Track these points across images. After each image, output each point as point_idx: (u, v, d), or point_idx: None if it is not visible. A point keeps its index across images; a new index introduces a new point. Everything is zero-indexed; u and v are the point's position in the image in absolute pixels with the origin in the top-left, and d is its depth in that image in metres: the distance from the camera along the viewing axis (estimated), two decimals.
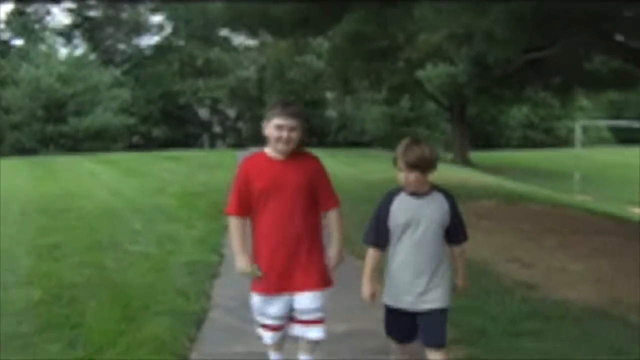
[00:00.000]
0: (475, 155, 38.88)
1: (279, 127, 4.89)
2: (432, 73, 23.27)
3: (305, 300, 5.06)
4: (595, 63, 17.95)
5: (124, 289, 8.27)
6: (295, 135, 4.93)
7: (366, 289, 5.03)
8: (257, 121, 51.87)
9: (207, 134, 54.02)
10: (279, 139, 4.90)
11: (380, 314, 7.36)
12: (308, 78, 41.88)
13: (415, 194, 4.70)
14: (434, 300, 4.75)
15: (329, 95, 47.00)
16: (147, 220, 13.10)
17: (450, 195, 4.82)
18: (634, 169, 36.66)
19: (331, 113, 47.78)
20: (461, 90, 22.08)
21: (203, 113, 54.07)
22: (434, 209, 4.69)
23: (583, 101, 42.44)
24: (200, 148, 47.52)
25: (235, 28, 18.63)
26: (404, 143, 4.68)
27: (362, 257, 10.00)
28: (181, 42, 53.61)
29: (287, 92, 44.47)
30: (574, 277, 9.17)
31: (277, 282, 5.04)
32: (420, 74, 25.37)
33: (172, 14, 51.52)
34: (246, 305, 7.64)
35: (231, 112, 54.51)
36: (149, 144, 46.23)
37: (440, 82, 22.62)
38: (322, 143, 43.28)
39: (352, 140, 45.57)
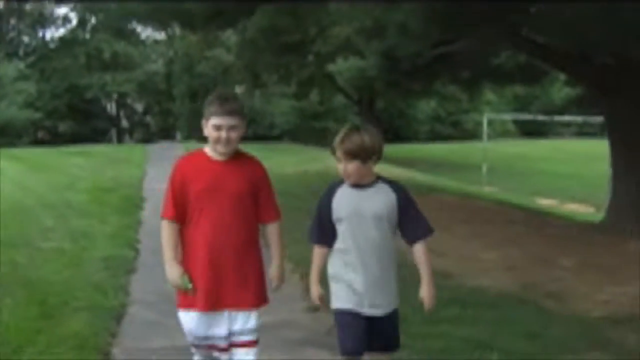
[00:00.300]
0: (385, 148, 39.27)
1: (217, 127, 4.40)
2: (342, 67, 23.44)
3: (240, 320, 4.55)
4: (502, 58, 18.39)
5: (39, 285, 8.09)
6: (235, 135, 4.45)
7: (314, 290, 4.59)
8: (165, 115, 51.50)
9: (114, 128, 53.23)
10: (217, 140, 4.42)
11: (302, 305, 7.50)
12: (217, 72, 41.67)
13: (357, 185, 4.32)
14: (387, 304, 4.39)
15: (238, 89, 46.81)
16: (58, 216, 12.85)
17: (399, 186, 4.39)
18: (537, 161, 37.75)
19: None
20: (371, 83, 22.32)
21: (110, 107, 53.27)
22: (377, 202, 4.28)
23: (489, 95, 43.33)
24: (107, 143, 46.74)
25: (148, 22, 18.36)
26: (342, 131, 4.36)
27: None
28: (87, 35, 52.59)
29: (196, 86, 44.23)
30: (487, 265, 9.42)
31: (210, 299, 4.46)
32: (331, 67, 25.54)
33: (79, 5, 50.46)
34: (164, 300, 7.65)
35: (139, 107, 53.85)
36: (55, 139, 45.19)
37: (350, 75, 22.80)
38: None
39: (262, 134, 45.47)
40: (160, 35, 49.81)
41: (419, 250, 4.36)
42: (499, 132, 52.40)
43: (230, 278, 4.47)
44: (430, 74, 19.64)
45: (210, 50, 39.13)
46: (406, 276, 8.25)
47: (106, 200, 14.86)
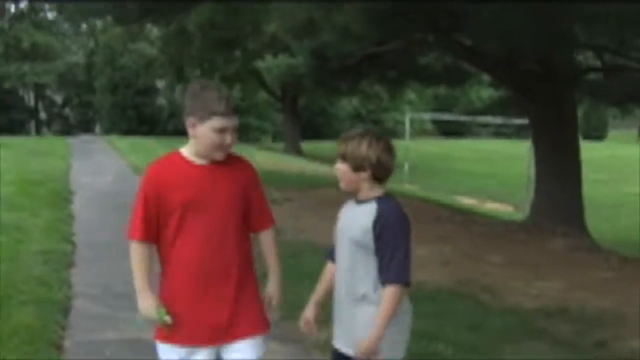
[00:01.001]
0: (306, 146, 39.57)
1: (221, 130, 3.58)
2: (271, 63, 23.60)
3: (244, 351, 3.77)
4: (429, 59, 18.82)
5: None
6: (235, 137, 3.70)
7: (304, 312, 4.07)
8: (84, 108, 50.72)
9: (33, 120, 52.22)
10: (219, 146, 3.62)
11: None
12: (140, 65, 41.30)
13: (357, 201, 3.77)
14: (355, 343, 3.73)
15: (160, 83, 46.46)
16: None
17: (383, 209, 3.64)
18: (456, 160, 38.53)
19: (162, 101, 47.25)
20: (300, 81, 22.54)
21: (29, 98, 52.23)
22: (355, 222, 3.73)
23: (411, 95, 44.01)
24: (26, 135, 45.85)
25: (78, 13, 18.12)
26: (350, 130, 3.89)
27: None
28: (6, 24, 51.42)
29: (118, 78, 43.75)
30: (421, 261, 9.67)
31: (200, 331, 3.72)
32: (259, 64, 25.66)
33: None
34: (108, 293, 7.76)
35: (58, 98, 52.92)
36: None
37: (279, 72, 22.97)
38: (152, 131, 42.86)
39: (183, 129, 44.88)
40: (82, 27, 49.02)
41: (383, 293, 3.61)
42: (418, 131, 53.22)
43: (225, 303, 3.72)
44: (358, 74, 19.95)
45: (133, 43, 38.73)
46: None
47: (34, 193, 14.71)
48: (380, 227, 3.57)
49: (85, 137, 39.91)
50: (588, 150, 13.41)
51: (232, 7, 12.42)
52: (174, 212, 3.63)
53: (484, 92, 45.02)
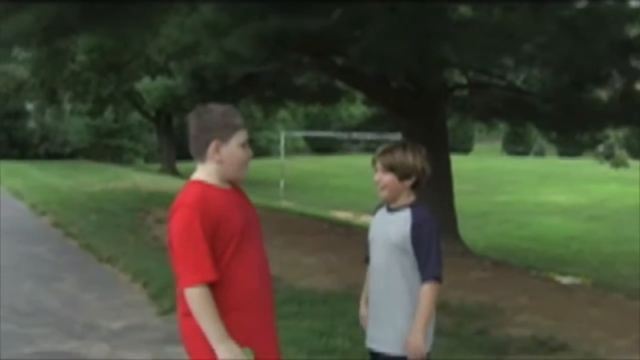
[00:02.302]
0: (181, 166, 39.59)
1: (244, 145, 3.49)
2: (150, 86, 23.72)
3: None
4: (306, 78, 19.43)
5: None
6: None
7: (360, 310, 4.41)
8: None
9: None
10: (246, 163, 3.52)
11: (152, 310, 8.05)
12: (10, 88, 40.40)
13: (391, 209, 4.09)
14: (389, 342, 4.01)
15: (29, 106, 45.50)
16: None
17: (419, 213, 3.98)
18: (329, 176, 39.32)
19: (32, 124, 46.30)
20: (179, 103, 22.77)
21: None
22: (393, 227, 3.99)
23: (284, 113, 44.61)
24: None
25: None
26: (388, 144, 4.17)
27: (104, 260, 10.56)
28: None
29: None
30: (309, 270, 10.27)
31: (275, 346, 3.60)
32: (138, 86, 25.72)
33: None
34: (15, 311, 7.99)
35: None
36: None
37: (158, 94, 23.13)
38: (23, 155, 42.00)
39: (54, 152, 44.46)
40: None
41: (420, 291, 3.92)
42: (290, 149, 53.87)
43: (274, 331, 3.61)
44: (236, 94, 20.39)
45: (2, 65, 37.92)
46: None
47: None
48: (417, 232, 3.90)
49: None
50: (455, 162, 14.23)
51: (121, 32, 12.67)
52: (231, 240, 3.35)
53: (354, 109, 46.11)
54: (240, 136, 3.44)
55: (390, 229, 3.99)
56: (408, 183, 4.00)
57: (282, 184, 30.13)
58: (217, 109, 3.47)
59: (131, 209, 16.04)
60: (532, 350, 6.77)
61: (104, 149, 44.21)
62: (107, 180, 23.37)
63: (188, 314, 3.34)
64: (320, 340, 6.51)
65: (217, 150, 3.39)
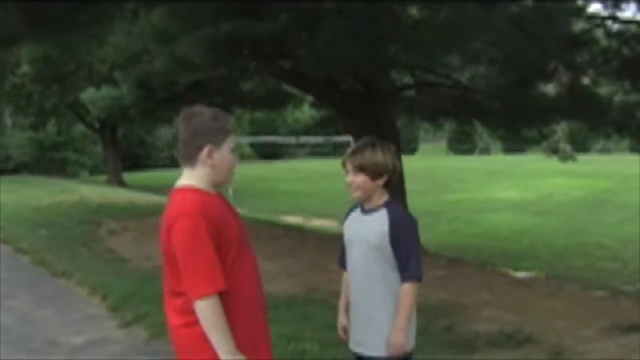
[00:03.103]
0: (127, 177, 39.16)
1: (234, 150, 3.42)
2: (95, 96, 23.46)
3: None
4: (252, 83, 19.40)
5: None
6: None
7: (339, 320, 4.25)
8: None
9: None
10: (233, 168, 3.44)
11: (112, 323, 7.90)
12: None
13: (365, 209, 4.01)
14: (374, 344, 3.95)
15: None
16: None
17: (396, 213, 3.92)
18: (277, 181, 39.30)
19: None
20: (125, 112, 22.57)
21: None
22: (370, 228, 3.92)
23: (230, 120, 44.51)
24: None
25: None
26: (357, 143, 4.08)
27: (59, 275, 10.37)
28: None
29: None
30: (269, 275, 10.15)
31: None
32: (83, 96, 25.42)
33: None
34: None
35: None
36: None
37: (104, 104, 22.88)
38: None
39: None
40: None
41: (401, 290, 3.87)
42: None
43: (268, 330, 3.51)
44: (184, 102, 20.22)
45: None
46: None
47: None
48: (396, 231, 3.82)
49: None
50: (403, 163, 14.30)
51: (67, 42, 12.46)
52: (231, 247, 3.24)
53: (300, 114, 46.17)
54: (232, 141, 3.36)
55: (367, 230, 3.91)
56: (380, 182, 3.92)
57: (230, 191, 29.91)
58: (206, 112, 3.34)
59: (81, 222, 15.78)
60: (499, 345, 6.81)
61: (48, 162, 43.59)
62: (54, 194, 22.95)
63: (188, 324, 3.20)
64: (289, 345, 6.44)
65: (210, 155, 3.28)
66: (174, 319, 3.30)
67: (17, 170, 43.00)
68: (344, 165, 4.02)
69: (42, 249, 12.57)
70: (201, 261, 3.13)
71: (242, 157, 56.45)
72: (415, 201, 24.87)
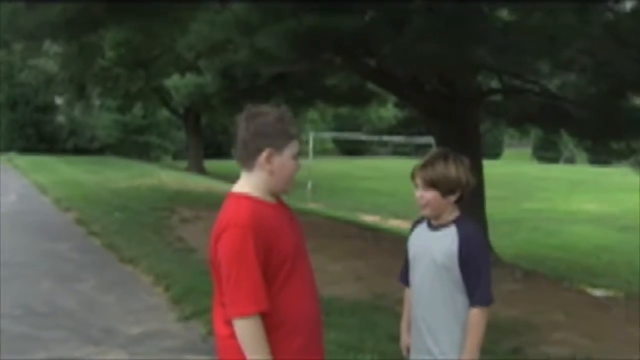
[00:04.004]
0: (208, 164, 39.46)
1: (296, 156, 3.17)
2: (179, 82, 23.57)
3: None
4: (336, 79, 19.19)
5: None
6: None
7: (402, 339, 4.08)
8: None
9: None
10: (292, 176, 3.19)
11: (172, 315, 7.78)
12: (39, 81, 40.46)
13: (433, 225, 3.75)
14: None
15: (58, 100, 45.57)
16: None
17: (467, 232, 3.64)
18: (357, 179, 39.05)
19: (61, 119, 46.35)
20: (208, 100, 22.62)
21: None
22: (438, 245, 3.65)
23: (313, 114, 44.44)
24: None
25: None
26: (427, 155, 3.81)
27: (126, 261, 10.34)
28: None
29: (17, 95, 42.75)
30: (335, 277, 9.97)
31: None
32: (167, 83, 25.57)
33: None
34: (31, 312, 7.75)
35: None
36: None
37: (187, 91, 22.97)
38: (51, 149, 42.08)
39: (82, 147, 44.53)
40: None
41: (470, 316, 3.60)
42: (319, 150, 53.69)
43: (322, 350, 3.28)
44: (266, 93, 20.16)
45: (33, 59, 37.97)
46: None
47: None
48: (466, 251, 3.55)
49: None
50: (485, 167, 13.88)
51: (149, 28, 12.46)
52: (283, 265, 3.01)
53: (384, 112, 45.82)
54: (294, 146, 3.12)
55: (434, 247, 3.65)
56: (452, 198, 3.67)
57: (309, 185, 29.93)
58: (272, 113, 3.10)
59: (156, 208, 15.81)
60: None
61: (132, 145, 44.21)
62: (133, 177, 23.20)
63: (235, 336, 2.99)
64: (347, 355, 6.20)
65: (269, 159, 3.06)
66: (221, 329, 3.11)
67: (101, 151, 43.82)
68: (413, 177, 3.76)
69: (113, 233, 12.58)
70: (244, 277, 2.93)
71: (324, 152, 56.49)
72: (494, 208, 24.39)
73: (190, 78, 22.97)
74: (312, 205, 25.90)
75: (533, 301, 9.24)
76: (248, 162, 3.11)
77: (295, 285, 3.05)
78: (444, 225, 3.68)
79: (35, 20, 11.33)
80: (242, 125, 3.12)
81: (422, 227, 3.82)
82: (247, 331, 2.93)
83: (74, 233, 13.22)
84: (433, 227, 3.73)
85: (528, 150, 70.51)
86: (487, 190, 14.02)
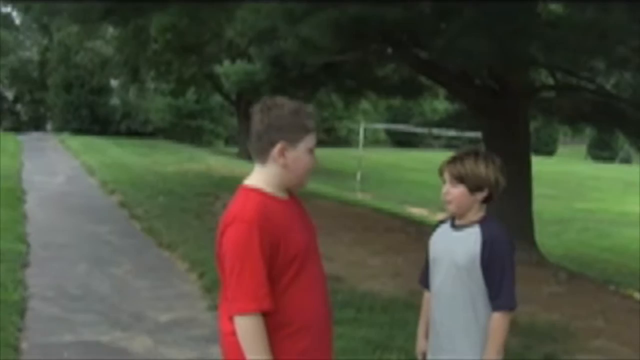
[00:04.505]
0: None
1: (312, 151, 3.07)
2: (229, 69, 23.55)
3: None
4: (387, 70, 18.99)
5: None
6: None
7: (418, 343, 3.98)
8: (36, 105, 50.01)
9: None
10: (310, 171, 3.10)
11: (203, 304, 7.72)
12: (95, 64, 40.89)
13: (456, 225, 3.64)
14: None
15: (113, 82, 46.03)
16: None
17: (492, 233, 3.51)
18: (408, 171, 38.78)
19: (115, 101, 46.81)
20: (258, 88, 22.56)
21: None
22: (460, 247, 3.53)
23: (365, 104, 44.17)
24: None
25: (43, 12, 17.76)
26: (458, 151, 3.70)
27: (164, 246, 10.32)
28: None
29: (71, 77, 43.26)
30: (374, 271, 9.83)
31: None
32: (217, 69, 25.60)
33: None
34: (63, 295, 7.76)
35: (9, 94, 52.07)
36: None
37: (237, 78, 22.93)
38: (105, 131, 42.52)
39: (135, 129, 44.92)
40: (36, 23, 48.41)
41: (492, 320, 3.49)
42: (371, 141, 53.45)
43: (329, 352, 3.16)
44: (315, 82, 20.07)
45: (88, 41, 38.37)
46: None
47: None
48: (489, 253, 3.44)
49: (36, 135, 39.51)
50: (538, 165, 13.61)
51: (194, 13, 12.44)
52: (291, 264, 2.92)
53: (438, 104, 45.42)
54: (310, 140, 3.03)
55: (456, 249, 3.53)
56: (480, 196, 3.55)
57: (358, 175, 29.82)
58: (288, 105, 3.01)
59: (201, 193, 15.79)
60: None
61: (185, 129, 44.42)
62: (181, 162, 23.28)
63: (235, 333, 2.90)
64: (374, 354, 6.08)
65: (282, 153, 2.98)
66: (225, 325, 3.00)
67: (154, 134, 44.12)
68: (441, 173, 3.63)
69: (155, 217, 12.59)
70: (247, 274, 2.83)
71: (377, 143, 56.23)
72: (544, 206, 24.05)
73: (241, 65, 22.93)
74: (360, 196, 25.78)
75: (574, 305, 8.96)
76: (261, 155, 3.04)
77: (303, 284, 2.96)
78: (468, 226, 3.56)
79: (84, 3, 11.35)
80: (257, 117, 3.04)
81: (445, 228, 3.71)
82: (246, 331, 2.84)
83: (117, 216, 13.28)
84: (456, 227, 3.61)
85: (583, 149, 69.41)
86: (538, 188, 13.76)
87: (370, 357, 6.02)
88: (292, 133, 2.97)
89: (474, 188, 3.52)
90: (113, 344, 6.35)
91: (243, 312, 2.83)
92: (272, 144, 2.97)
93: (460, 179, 3.52)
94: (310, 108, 3.10)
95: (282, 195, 3.06)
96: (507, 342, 6.26)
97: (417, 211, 23.96)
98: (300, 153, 3.00)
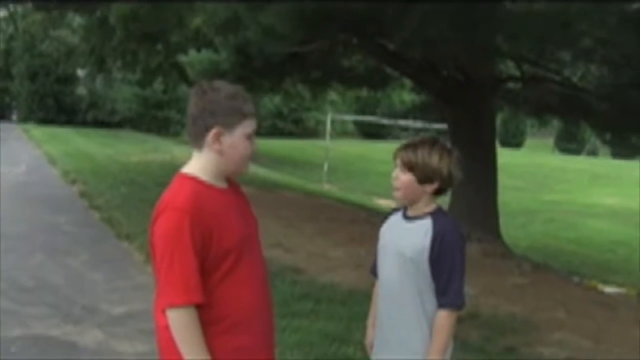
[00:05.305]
0: None
1: (251, 136, 2.92)
2: (194, 58, 23.28)
3: None
4: (353, 61, 18.84)
5: None
6: None
7: (367, 334, 3.81)
8: (0, 94, 49.27)
9: None
10: (249, 158, 2.95)
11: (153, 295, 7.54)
12: (60, 53, 40.33)
13: (408, 216, 3.47)
14: None
15: (80, 72, 45.46)
16: None
17: (442, 226, 3.33)
18: (375, 162, 38.73)
19: (82, 91, 46.26)
20: (223, 77, 22.31)
21: None
22: (408, 238, 3.36)
23: (333, 95, 44.05)
24: None
25: None
26: (415, 138, 3.50)
27: (123, 237, 10.13)
28: None
29: (37, 65, 42.69)
30: (335, 263, 9.71)
31: None
32: (182, 58, 25.31)
33: None
34: (15, 286, 7.55)
35: None
36: None
37: (202, 68, 22.65)
38: (71, 121, 42.04)
39: (102, 119, 44.45)
40: (1, 12, 47.72)
41: (437, 318, 3.33)
42: (339, 132, 53.39)
43: (271, 351, 3.06)
44: (281, 72, 19.84)
45: (54, 30, 37.81)
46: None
47: None
48: (438, 247, 3.27)
49: (0, 125, 39.00)
50: (505, 157, 13.59)
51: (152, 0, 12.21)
52: (226, 257, 2.78)
53: (406, 96, 45.38)
54: (248, 126, 2.87)
55: (405, 239, 3.36)
56: (429, 188, 3.37)
57: (325, 166, 29.70)
58: (225, 89, 2.86)
59: (163, 183, 15.46)
60: None
61: (152, 119, 44.08)
62: (146, 152, 23.06)
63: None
64: (330, 347, 5.94)
65: (217, 138, 2.83)
66: (160, 319, 2.87)
67: (120, 124, 43.71)
68: (394, 157, 3.46)
69: (115, 207, 12.39)
70: (177, 265, 2.68)
71: (345, 135, 56.15)
72: (511, 198, 24.12)
73: (206, 54, 22.67)
74: (327, 187, 25.69)
75: (537, 297, 8.91)
76: (197, 140, 2.89)
77: (239, 278, 2.82)
78: (419, 217, 3.39)
79: None
80: (192, 100, 2.91)
81: (397, 217, 3.55)
82: (178, 324, 2.70)
83: (76, 206, 13.06)
84: (408, 218, 3.45)
85: (551, 141, 69.85)
86: (504, 179, 13.73)
87: (327, 351, 5.89)
88: (227, 118, 2.83)
89: (423, 179, 3.35)
90: (63, 338, 6.17)
91: (173, 305, 2.70)
92: (207, 129, 2.83)
93: (410, 167, 3.36)
94: (246, 93, 2.95)
95: (219, 184, 2.92)
96: (467, 334, 6.19)
97: (384, 203, 23.87)
98: (236, 139, 2.85)
